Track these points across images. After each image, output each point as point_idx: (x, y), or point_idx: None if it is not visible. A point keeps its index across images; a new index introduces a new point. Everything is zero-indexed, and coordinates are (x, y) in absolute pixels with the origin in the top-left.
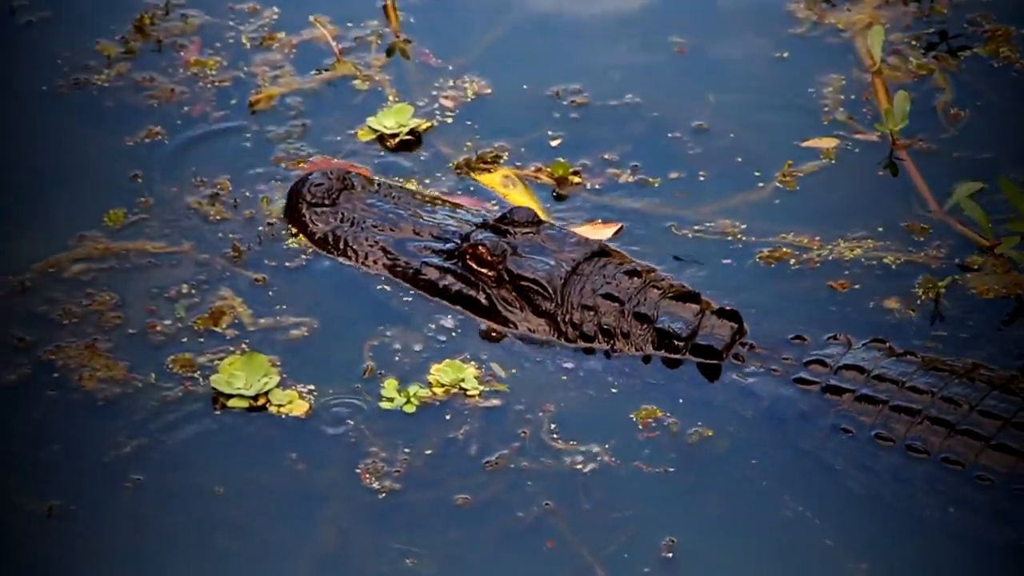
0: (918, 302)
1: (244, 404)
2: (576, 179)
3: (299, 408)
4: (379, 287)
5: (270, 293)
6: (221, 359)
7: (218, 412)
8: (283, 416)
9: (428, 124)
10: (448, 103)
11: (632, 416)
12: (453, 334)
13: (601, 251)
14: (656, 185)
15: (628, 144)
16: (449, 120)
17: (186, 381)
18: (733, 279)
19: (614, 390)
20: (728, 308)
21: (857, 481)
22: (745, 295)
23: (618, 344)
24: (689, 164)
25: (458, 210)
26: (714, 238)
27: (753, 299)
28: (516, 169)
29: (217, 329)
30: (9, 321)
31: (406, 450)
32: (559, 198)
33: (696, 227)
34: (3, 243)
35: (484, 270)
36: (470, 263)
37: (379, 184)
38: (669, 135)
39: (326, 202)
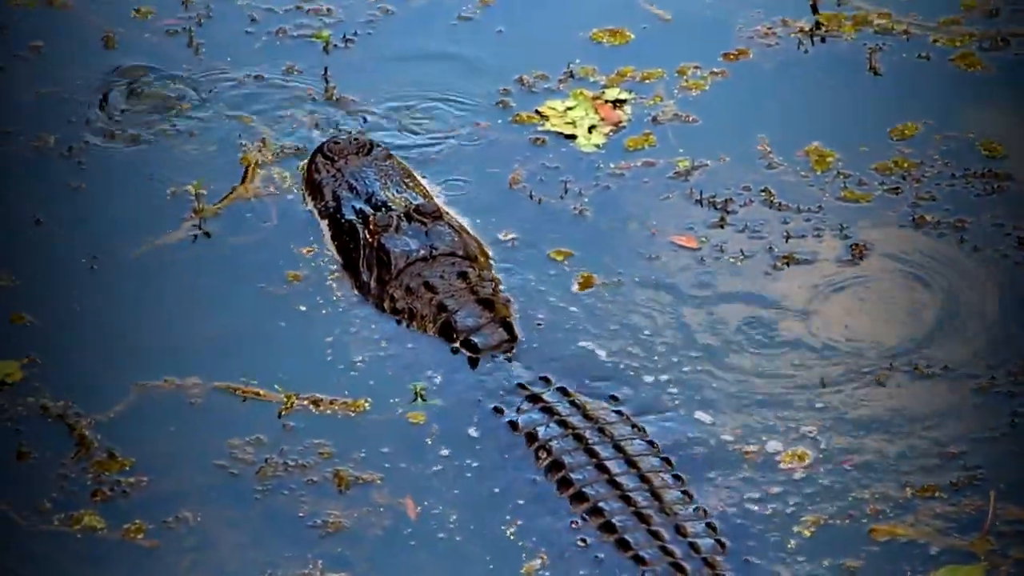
0: None
1: None
2: None
3: None
4: None
5: None
6: None
7: None
8: None
9: None
10: None
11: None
12: None
13: (465, 255)
14: None
15: None
16: None
17: None
18: None
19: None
20: (509, 320)
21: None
22: None
23: (413, 323)
24: None
25: (418, 199)
26: None
27: None
28: None
29: None
30: None
31: None
32: None
33: None
34: None
35: (367, 236)
36: (365, 229)
37: (389, 161)
38: None
39: (335, 157)
